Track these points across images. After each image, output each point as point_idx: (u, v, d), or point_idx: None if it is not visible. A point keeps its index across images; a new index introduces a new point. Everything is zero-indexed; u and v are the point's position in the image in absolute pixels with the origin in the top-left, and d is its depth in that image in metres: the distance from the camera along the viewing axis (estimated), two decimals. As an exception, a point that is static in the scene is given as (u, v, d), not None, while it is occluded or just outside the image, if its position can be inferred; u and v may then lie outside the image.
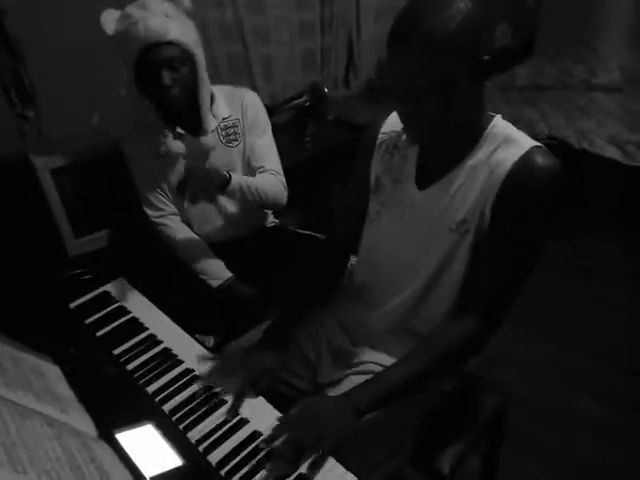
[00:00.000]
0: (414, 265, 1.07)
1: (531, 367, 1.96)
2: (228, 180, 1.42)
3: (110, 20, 1.33)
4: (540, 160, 0.91)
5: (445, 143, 0.98)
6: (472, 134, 0.98)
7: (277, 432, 0.91)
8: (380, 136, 1.13)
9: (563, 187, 0.92)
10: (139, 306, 1.28)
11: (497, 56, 2.77)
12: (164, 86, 1.34)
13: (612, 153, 2.62)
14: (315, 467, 0.86)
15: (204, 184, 1.38)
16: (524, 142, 0.94)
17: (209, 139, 1.49)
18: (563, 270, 2.45)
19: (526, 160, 0.91)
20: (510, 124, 1.00)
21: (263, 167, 1.57)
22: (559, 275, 2.42)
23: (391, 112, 1.12)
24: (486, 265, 0.97)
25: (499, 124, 0.99)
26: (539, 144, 0.95)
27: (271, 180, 1.56)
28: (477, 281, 0.99)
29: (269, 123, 1.62)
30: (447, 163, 1.00)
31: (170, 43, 1.31)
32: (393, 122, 1.11)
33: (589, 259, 2.51)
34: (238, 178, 1.46)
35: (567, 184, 0.92)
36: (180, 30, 1.33)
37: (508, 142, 0.95)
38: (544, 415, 1.78)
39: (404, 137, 1.08)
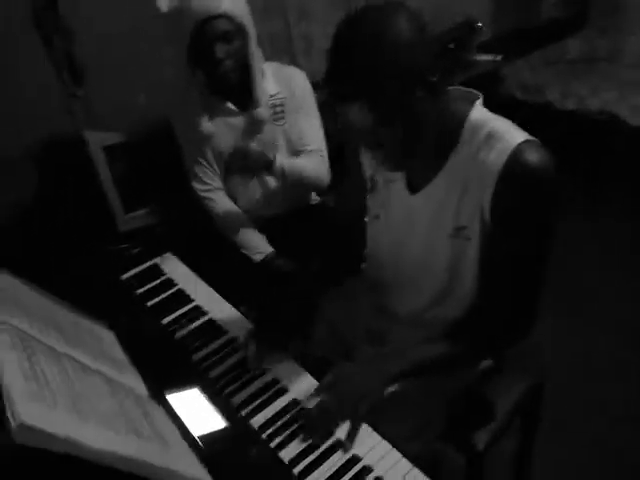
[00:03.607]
0: (422, 269, 1.05)
1: (571, 354, 1.91)
2: (272, 162, 1.48)
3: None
4: (530, 159, 0.85)
5: (423, 151, 0.94)
6: (449, 135, 0.93)
7: (314, 400, 0.95)
8: None
9: (557, 178, 0.87)
10: (186, 279, 1.33)
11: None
12: (218, 59, 1.38)
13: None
14: (352, 432, 0.89)
15: (247, 162, 1.46)
16: (509, 137, 0.88)
17: (262, 111, 1.52)
18: (604, 259, 2.35)
19: (516, 162, 0.86)
20: (487, 112, 0.94)
21: (308, 148, 1.59)
22: (599, 264, 2.32)
23: None
24: (504, 268, 0.94)
25: (476, 117, 0.92)
26: (525, 137, 0.88)
27: (314, 162, 1.58)
28: (501, 284, 0.96)
29: (315, 104, 1.62)
30: (431, 164, 0.96)
31: (222, 16, 1.35)
32: None
33: (631, 244, 2.41)
34: (282, 160, 1.50)
35: (558, 171, 0.87)
36: (231, 3, 1.36)
37: (491, 139, 0.89)
38: (586, 401, 1.75)
39: None
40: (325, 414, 0.92)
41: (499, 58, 2.80)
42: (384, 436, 0.90)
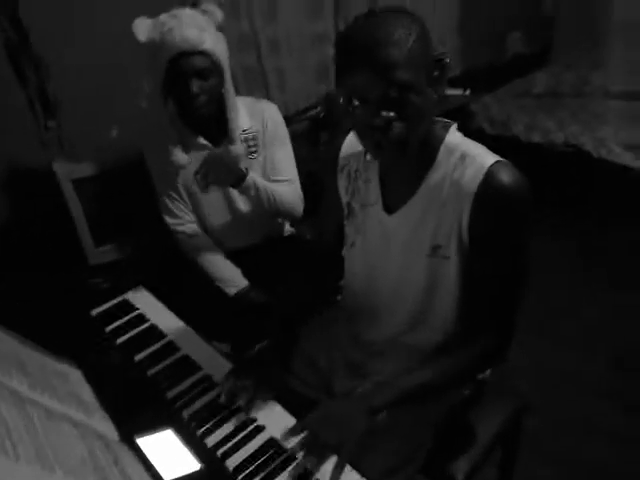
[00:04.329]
0: (399, 292, 1.06)
1: (543, 373, 1.94)
2: (244, 175, 1.46)
3: (143, 27, 1.37)
4: (504, 179, 0.89)
5: (405, 163, 0.97)
6: (428, 151, 0.96)
7: (300, 438, 0.93)
8: (340, 161, 1.13)
9: (529, 197, 0.90)
10: (158, 314, 1.30)
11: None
12: (192, 95, 1.37)
13: (629, 160, 2.60)
14: (337, 469, 0.87)
15: (220, 168, 1.42)
16: (480, 160, 0.92)
17: (237, 148, 1.52)
18: (572, 278, 2.42)
19: (488, 184, 0.89)
20: (462, 136, 0.98)
21: (281, 178, 1.59)
22: (567, 283, 2.39)
23: (346, 135, 1.12)
24: (482, 287, 0.97)
25: (451, 140, 0.96)
26: (495, 158, 0.92)
27: (287, 190, 1.59)
28: (479, 304, 0.98)
29: (288, 136, 1.64)
30: (408, 184, 0.99)
31: (201, 53, 1.35)
32: (350, 145, 1.11)
33: (601, 264, 2.48)
34: (255, 177, 1.49)
35: (531, 190, 0.91)
36: (213, 42, 1.37)
37: (464, 161, 0.93)
38: (558, 421, 1.76)
39: (364, 159, 1.07)
40: (309, 452, 0.90)
41: (467, 93, 2.89)
42: (363, 474, 0.88)
